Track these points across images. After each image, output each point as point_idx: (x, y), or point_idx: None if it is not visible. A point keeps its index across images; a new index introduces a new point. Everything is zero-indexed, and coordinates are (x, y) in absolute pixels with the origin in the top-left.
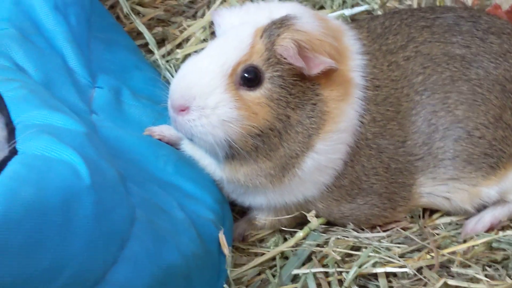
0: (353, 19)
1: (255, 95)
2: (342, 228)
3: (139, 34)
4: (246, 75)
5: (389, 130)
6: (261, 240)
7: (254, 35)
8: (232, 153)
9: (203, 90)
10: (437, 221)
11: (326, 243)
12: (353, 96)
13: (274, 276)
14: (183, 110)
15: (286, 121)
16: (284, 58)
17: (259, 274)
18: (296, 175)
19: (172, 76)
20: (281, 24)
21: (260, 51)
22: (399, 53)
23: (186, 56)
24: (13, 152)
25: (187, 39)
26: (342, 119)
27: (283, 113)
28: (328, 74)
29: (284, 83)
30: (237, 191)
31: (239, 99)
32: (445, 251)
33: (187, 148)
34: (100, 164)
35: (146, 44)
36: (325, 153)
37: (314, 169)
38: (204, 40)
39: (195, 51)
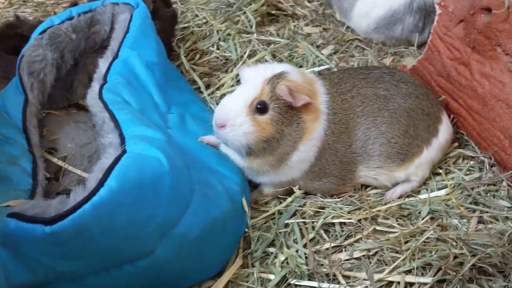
0: (320, 73)
1: (264, 118)
2: (314, 196)
3: (195, 82)
4: (259, 106)
5: (341, 139)
6: (267, 203)
7: (264, 83)
8: (249, 152)
9: (233, 115)
10: (369, 192)
11: (304, 204)
12: (321, 119)
13: (274, 224)
14: (222, 127)
15: (281, 133)
16: (281, 96)
17: (265, 222)
18: (287, 165)
19: (214, 107)
20: (279, 76)
21: (267, 92)
22: (348, 94)
23: (222, 95)
24: (124, 152)
25: (222, 85)
26: (314, 132)
27: (280, 128)
28: (306, 106)
29: (281, 110)
30: (252, 174)
31: (254, 120)
32: (374, 210)
33: (223, 148)
34: (174, 158)
35: (199, 88)
36: (305, 152)
37: (298, 161)
38: (232, 86)
39: (228, 92)
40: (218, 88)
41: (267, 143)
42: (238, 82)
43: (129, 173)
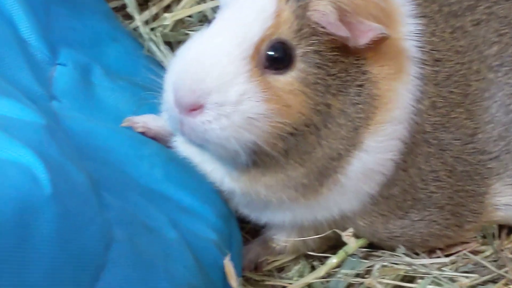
0: None
1: (286, 80)
2: (390, 252)
3: None
4: (272, 54)
5: (454, 120)
6: (281, 269)
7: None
8: (254, 160)
9: (220, 80)
10: None
11: (368, 272)
12: (408, 74)
13: None
14: (194, 109)
15: (326, 112)
16: (322, 27)
17: None
18: (339, 183)
19: (160, 50)
20: None
21: (289, 20)
22: (466, 16)
23: (178, 23)
24: None
25: (178, 0)
26: (397, 105)
27: (323, 102)
28: (377, 45)
29: (322, 60)
30: (253, 205)
31: (267, 88)
32: None
33: (181, 146)
34: (65, 166)
35: (124, 6)
36: (375, 152)
37: (360, 174)
38: (202, 1)
39: (189, 16)
40: (168, 8)
41: (295, 139)
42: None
43: None
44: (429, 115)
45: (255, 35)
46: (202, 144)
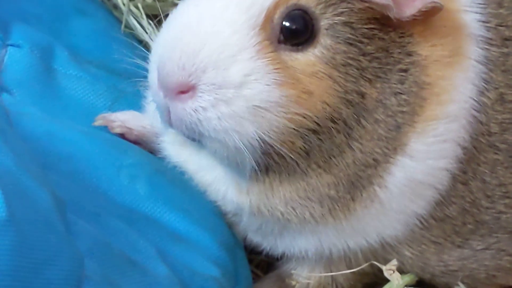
0: None
1: (307, 59)
2: None
3: None
4: (289, 24)
5: None
6: None
7: None
8: (266, 164)
9: (220, 54)
10: None
11: None
12: (468, 57)
13: None
14: (184, 92)
15: (359, 103)
16: None
17: None
18: (377, 199)
19: (141, 25)
20: None
21: None
22: None
23: None
24: None
25: None
26: (452, 97)
27: (355, 89)
28: (427, 18)
29: (354, 35)
30: (266, 229)
31: (281, 68)
32: None
33: (171, 148)
34: (22, 181)
35: None
36: (424, 159)
37: (405, 188)
38: None
39: None
40: None
41: (316, 137)
42: None
43: None
44: (496, 111)
45: (267, 0)
46: (195, 138)
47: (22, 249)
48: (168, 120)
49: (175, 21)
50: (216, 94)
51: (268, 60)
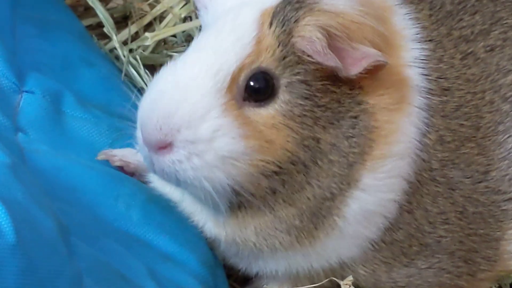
0: None
1: (268, 114)
2: None
3: (88, 10)
4: (252, 84)
5: (464, 156)
6: None
7: (260, 23)
8: (238, 201)
9: (191, 115)
10: None
11: None
12: (412, 105)
13: None
14: (163, 148)
15: (315, 147)
16: (308, 56)
17: None
18: (336, 227)
19: (140, 75)
20: (299, 3)
21: (271, 47)
22: (479, 41)
23: (160, 44)
24: None
25: (160, 17)
26: (398, 138)
27: (311, 136)
28: (373, 73)
29: (309, 91)
30: (242, 255)
31: (245, 123)
32: None
33: (159, 183)
34: (30, 211)
35: (99, 25)
36: (375, 192)
37: (359, 217)
38: (187, 19)
39: (173, 36)
40: (149, 26)
41: (280, 178)
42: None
43: None
44: (436, 150)
45: (232, 64)
46: (177, 184)
47: (29, 270)
48: (153, 168)
49: (155, 87)
50: (190, 149)
51: (233, 117)
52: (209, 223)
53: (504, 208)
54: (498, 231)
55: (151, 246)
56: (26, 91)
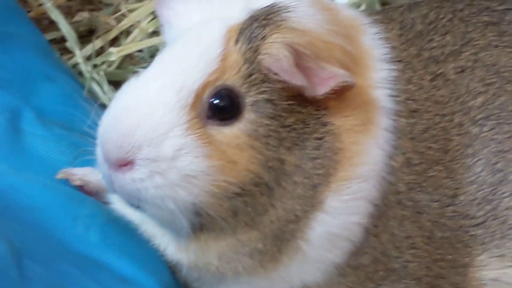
0: (384, 3)
1: (232, 133)
2: None
3: (52, 24)
4: (216, 102)
5: (431, 179)
6: None
7: (226, 40)
8: (200, 223)
9: (153, 133)
10: None
11: None
12: (378, 126)
13: None
14: (124, 165)
15: (279, 168)
16: (274, 74)
17: None
18: (300, 251)
19: (103, 91)
20: (266, 20)
21: (237, 64)
22: (449, 63)
23: (125, 59)
24: None
25: (127, 32)
26: (363, 160)
27: (275, 157)
28: (340, 94)
29: (275, 110)
30: (205, 279)
31: (208, 142)
32: None
33: (119, 203)
34: None
35: (63, 39)
36: (339, 214)
37: (324, 240)
38: (154, 34)
39: (139, 51)
40: (115, 41)
41: (243, 199)
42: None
43: None
44: (403, 173)
45: (197, 81)
46: (137, 204)
47: None
48: (112, 187)
49: (116, 103)
50: (151, 167)
51: (197, 136)
52: (170, 246)
53: (472, 233)
54: (467, 257)
55: (109, 269)
56: None
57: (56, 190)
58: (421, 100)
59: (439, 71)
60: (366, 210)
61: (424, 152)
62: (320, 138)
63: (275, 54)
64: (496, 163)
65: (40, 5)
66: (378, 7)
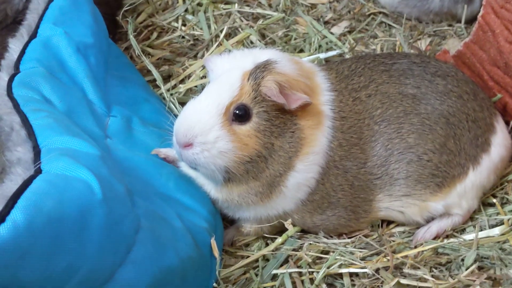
0: (327, 60)
1: (246, 129)
2: (314, 235)
3: (149, 72)
4: (237, 112)
5: (353, 154)
6: (247, 245)
7: (242, 78)
8: (228, 177)
9: (203, 128)
10: (393, 230)
11: (300, 247)
12: (324, 125)
13: (256, 275)
14: (188, 146)
15: (271, 147)
16: (268, 97)
17: (244, 273)
18: (281, 192)
19: (176, 108)
20: (264, 68)
21: (248, 91)
22: (362, 91)
23: (188, 91)
24: (38, 172)
25: (188, 76)
26: (316, 143)
27: (268, 141)
28: (304, 107)
29: (269, 116)
30: (230, 207)
31: (233, 133)
32: (399, 255)
33: (185, 167)
34: (111, 181)
35: (154, 80)
36: (303, 172)
37: (294, 186)
38: (203, 77)
39: (195, 86)
40: (182, 81)
41: (251, 164)
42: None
43: (43, 203)
44: (337, 150)
45: (227, 100)
46: (194, 167)
47: (109, 214)
48: (181, 157)
49: (183, 113)
50: (202, 146)
51: (226, 130)
52: (212, 190)
53: (375, 183)
54: (372, 196)
55: (179, 202)
56: (112, 116)
57: (151, 160)
58: (347, 111)
59: (357, 96)
60: (317, 170)
61: (349, 139)
62: (293, 131)
63: (269, 86)
64: (388, 145)
65: (142, 62)
66: (323, 62)
